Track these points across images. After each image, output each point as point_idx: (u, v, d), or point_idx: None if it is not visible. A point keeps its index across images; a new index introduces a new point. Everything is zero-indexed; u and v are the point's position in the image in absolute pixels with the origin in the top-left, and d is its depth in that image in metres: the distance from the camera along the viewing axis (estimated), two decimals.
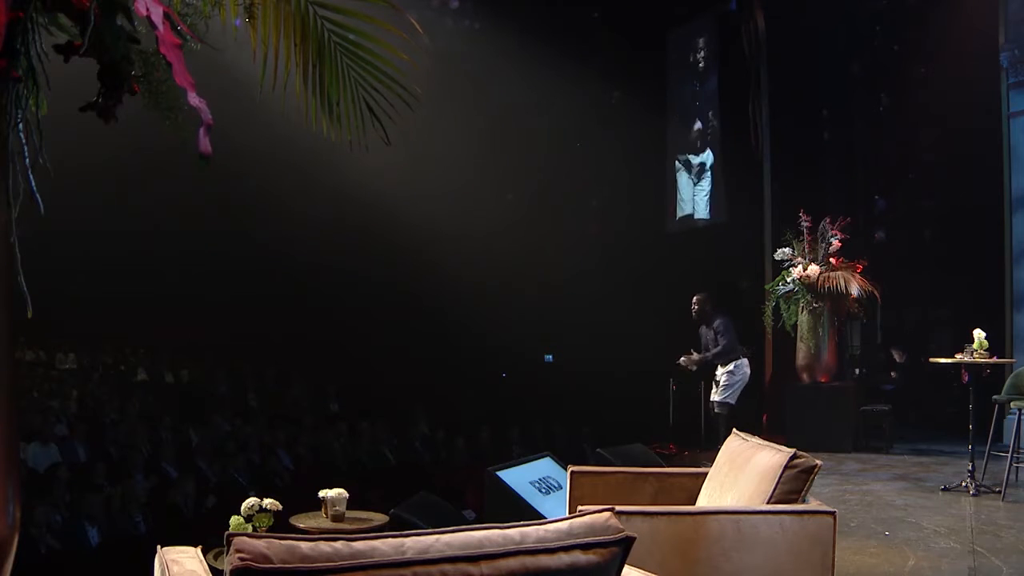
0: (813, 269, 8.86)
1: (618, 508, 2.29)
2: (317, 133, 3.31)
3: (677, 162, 13.84)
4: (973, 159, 10.07)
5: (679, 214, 13.79)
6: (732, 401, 8.53)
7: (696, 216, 13.32)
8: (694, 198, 13.41)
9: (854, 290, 8.79)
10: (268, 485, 8.51)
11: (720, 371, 8.63)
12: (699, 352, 8.88)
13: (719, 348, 8.58)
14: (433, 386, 14.12)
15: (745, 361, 8.64)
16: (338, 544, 1.69)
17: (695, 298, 8.85)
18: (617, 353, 12.90)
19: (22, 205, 2.65)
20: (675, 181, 13.89)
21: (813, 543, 3.33)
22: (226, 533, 1.70)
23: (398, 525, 4.88)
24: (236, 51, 3.31)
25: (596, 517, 1.89)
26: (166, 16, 2.55)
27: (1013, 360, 7.97)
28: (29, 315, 2.67)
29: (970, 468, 6.64)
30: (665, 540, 3.27)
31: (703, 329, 8.83)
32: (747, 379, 8.70)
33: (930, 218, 11.70)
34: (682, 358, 8.87)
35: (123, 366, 15.32)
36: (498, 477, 6.00)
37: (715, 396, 8.63)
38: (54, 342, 15.15)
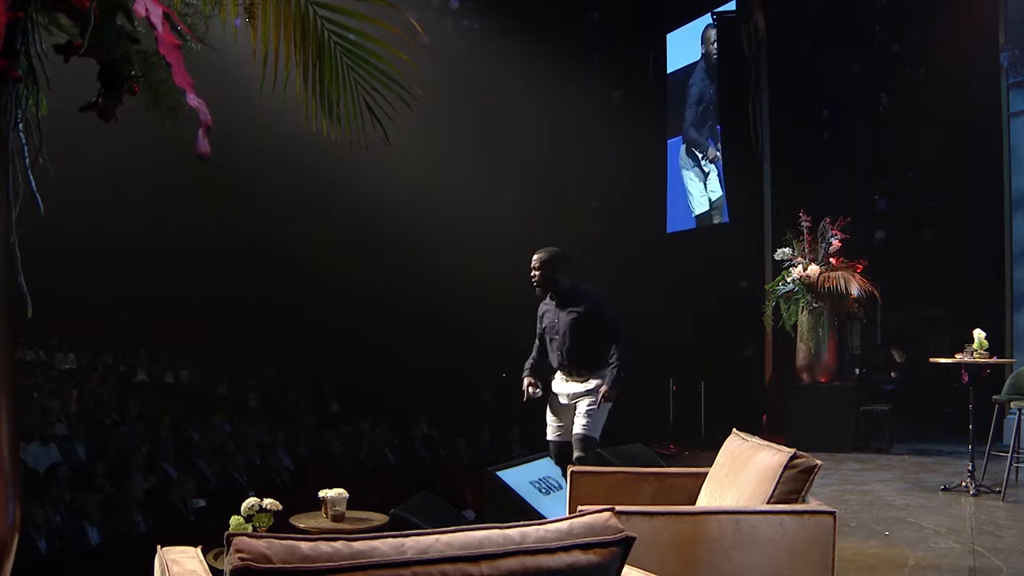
0: (813, 269, 8.86)
1: (618, 508, 2.29)
2: (317, 134, 3.32)
3: (686, 161, 13.84)
4: (973, 159, 10.06)
5: (694, 212, 13.78)
6: (597, 434, 5.28)
7: (711, 213, 13.30)
8: (708, 197, 13.38)
9: (854, 290, 8.78)
10: (268, 485, 8.50)
11: (578, 387, 5.33)
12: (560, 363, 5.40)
13: (622, 347, 5.29)
14: (433, 386, 14.11)
15: None
16: (338, 544, 1.69)
17: (535, 257, 5.44)
18: None
19: (22, 205, 2.66)
20: (683, 182, 13.89)
21: (813, 543, 3.33)
22: (226, 533, 1.70)
23: (398, 525, 4.88)
24: (236, 51, 3.31)
25: (596, 517, 1.89)
26: (166, 16, 2.55)
27: (1013, 360, 7.97)
28: (29, 315, 2.68)
29: (970, 468, 6.65)
30: (665, 540, 3.27)
31: (549, 310, 5.49)
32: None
33: (930, 218, 11.68)
34: (588, 400, 5.27)
35: (123, 366, 15.32)
36: (498, 477, 6.02)
37: (578, 428, 5.23)
38: (54, 342, 15.16)
